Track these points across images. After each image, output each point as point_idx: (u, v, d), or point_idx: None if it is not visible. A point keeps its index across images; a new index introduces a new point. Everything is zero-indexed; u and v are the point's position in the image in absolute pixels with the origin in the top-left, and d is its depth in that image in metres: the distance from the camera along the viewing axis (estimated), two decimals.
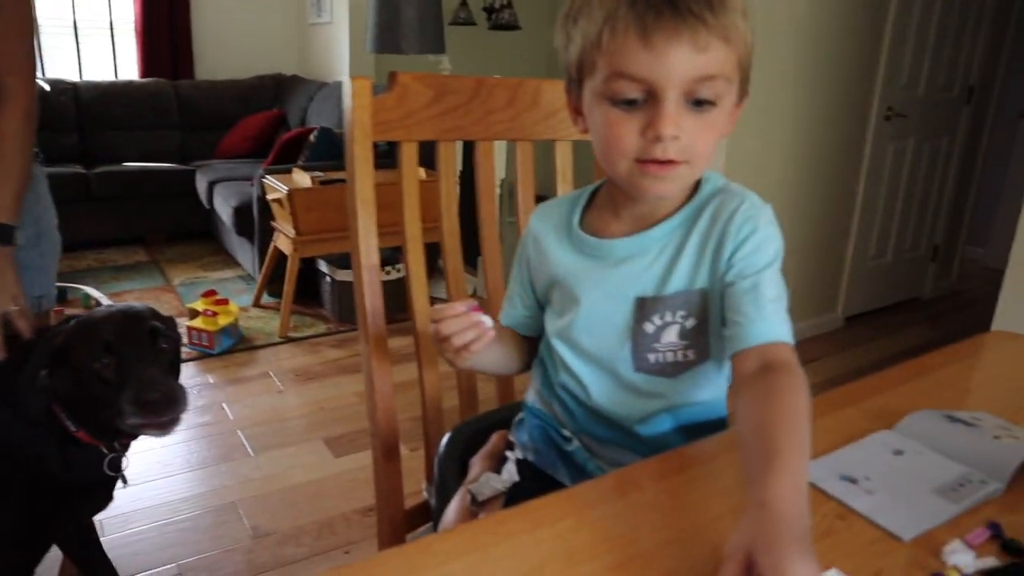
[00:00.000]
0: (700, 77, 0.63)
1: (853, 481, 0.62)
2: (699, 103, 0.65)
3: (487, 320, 0.73)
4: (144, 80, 4.45)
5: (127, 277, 3.62)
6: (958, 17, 3.26)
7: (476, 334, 0.72)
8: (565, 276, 0.77)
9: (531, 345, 0.88)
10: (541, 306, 0.84)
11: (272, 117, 4.44)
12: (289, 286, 2.90)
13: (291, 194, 2.78)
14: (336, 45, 4.45)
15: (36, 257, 1.30)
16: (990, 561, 0.53)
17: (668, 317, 0.72)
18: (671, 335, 0.72)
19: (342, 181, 2.50)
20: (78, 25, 4.45)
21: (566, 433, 0.79)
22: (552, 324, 0.80)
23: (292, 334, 2.94)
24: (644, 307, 0.72)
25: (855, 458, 0.66)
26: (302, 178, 2.94)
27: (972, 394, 0.81)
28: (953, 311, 3.62)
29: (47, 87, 4.09)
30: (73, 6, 4.40)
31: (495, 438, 0.87)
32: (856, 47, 2.93)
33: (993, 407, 0.74)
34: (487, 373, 0.89)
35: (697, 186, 0.74)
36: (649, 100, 0.64)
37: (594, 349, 0.75)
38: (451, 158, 1.02)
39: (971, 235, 4.12)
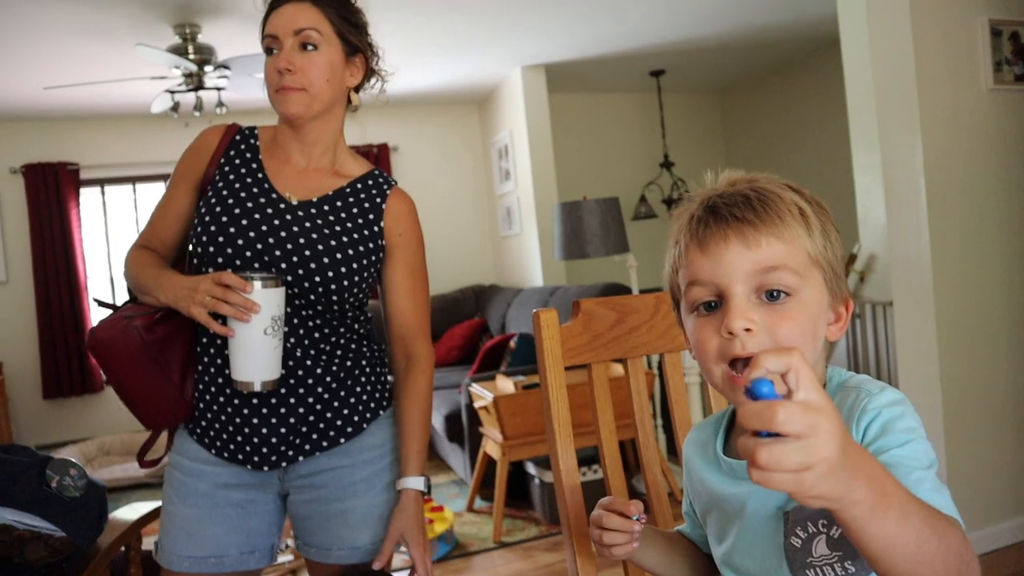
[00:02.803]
0: (760, 269, 0.70)
1: None
2: (772, 295, 0.70)
3: (638, 530, 0.83)
4: None
5: None
6: None
7: (624, 540, 0.82)
8: (718, 501, 0.80)
9: (710, 562, 0.90)
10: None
11: (475, 326, 4.84)
12: (500, 490, 3.02)
13: (496, 401, 2.95)
14: (528, 254, 4.90)
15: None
16: None
17: (811, 528, 0.71)
18: (821, 547, 0.70)
19: (534, 386, 2.69)
20: None
21: None
22: (715, 551, 0.83)
23: (505, 539, 3.02)
24: (787, 521, 0.73)
25: None
26: (506, 384, 3.13)
27: None
28: None
29: None
30: None
31: None
32: None
33: None
34: (661, 574, 0.93)
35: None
36: (723, 302, 0.71)
37: (757, 572, 0.76)
38: (640, 374, 1.10)
39: None
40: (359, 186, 1.29)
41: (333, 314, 1.24)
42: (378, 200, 1.29)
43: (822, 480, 0.49)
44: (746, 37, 4.50)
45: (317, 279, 1.19)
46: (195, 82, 3.71)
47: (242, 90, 3.88)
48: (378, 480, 1.26)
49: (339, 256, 1.21)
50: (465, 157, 5.55)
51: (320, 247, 1.20)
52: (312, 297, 1.21)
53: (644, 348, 1.09)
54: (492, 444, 3.13)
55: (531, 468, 3.26)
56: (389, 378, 1.36)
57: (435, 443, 4.23)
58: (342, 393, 1.26)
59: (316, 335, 1.23)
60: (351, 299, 1.24)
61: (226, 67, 3.59)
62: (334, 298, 1.21)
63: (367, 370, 1.30)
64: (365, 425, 1.27)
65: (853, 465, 0.51)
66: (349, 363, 1.27)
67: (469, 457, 3.51)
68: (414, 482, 1.26)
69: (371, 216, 1.27)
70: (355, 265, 1.23)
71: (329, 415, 1.25)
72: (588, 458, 3.01)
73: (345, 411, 1.26)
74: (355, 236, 1.24)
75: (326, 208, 1.25)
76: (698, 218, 0.73)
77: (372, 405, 1.29)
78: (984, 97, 2.57)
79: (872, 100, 2.57)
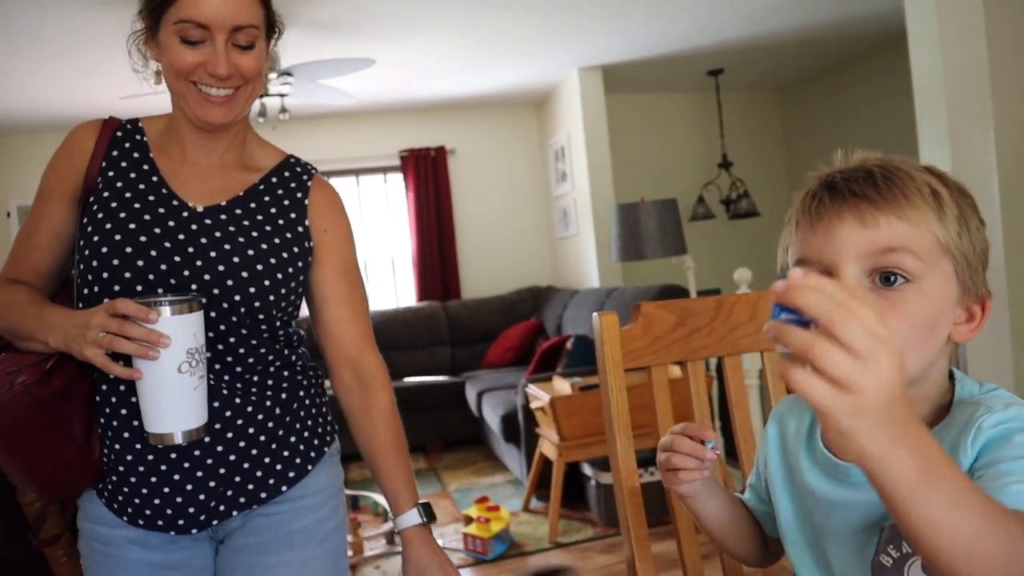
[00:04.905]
0: (876, 249, 0.64)
1: None
2: (887, 279, 0.64)
3: (710, 458, 0.78)
4: (420, 304, 5.23)
5: None
6: None
7: (693, 465, 0.78)
8: (806, 494, 0.75)
9: (773, 543, 0.87)
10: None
11: (531, 327, 4.89)
12: (556, 491, 3.06)
13: (553, 402, 2.97)
14: (584, 255, 4.92)
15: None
16: None
17: (905, 548, 0.65)
18: (916, 572, 0.64)
19: (593, 387, 2.72)
20: (367, 264, 5.45)
21: None
22: (788, 533, 0.79)
23: (561, 539, 3.05)
24: (882, 536, 0.68)
25: None
26: (562, 385, 3.14)
27: None
28: None
29: None
30: (362, 247, 5.43)
31: None
32: None
33: None
34: (714, 534, 0.88)
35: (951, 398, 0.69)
36: None
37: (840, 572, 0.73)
38: (700, 377, 1.10)
39: None
40: (274, 180, 1.11)
41: (261, 338, 1.04)
42: (299, 195, 1.11)
43: (860, 417, 0.45)
44: (805, 34, 4.45)
45: (237, 298, 1.00)
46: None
47: (305, 96, 4.02)
48: (318, 529, 1.09)
49: (260, 267, 1.02)
50: (522, 159, 5.61)
51: (236, 259, 1.01)
52: (234, 320, 1.01)
53: (704, 351, 1.08)
54: (548, 445, 3.15)
55: (587, 469, 3.29)
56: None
57: (491, 443, 4.30)
58: (280, 432, 1.07)
59: (242, 366, 1.04)
60: (280, 317, 1.06)
61: (289, 74, 3.74)
62: (260, 317, 1.02)
63: (306, 401, 1.12)
64: (310, 467, 1.09)
65: (900, 427, 0.47)
66: (284, 395, 1.08)
67: (525, 458, 3.54)
68: (411, 517, 1.13)
69: (293, 215, 1.09)
70: (280, 276, 1.04)
71: (267, 460, 1.05)
72: (646, 460, 3.03)
73: (285, 453, 1.07)
74: (276, 241, 1.06)
75: (238, 212, 1.05)
76: (813, 193, 0.69)
77: (316, 442, 1.11)
78: None
79: (941, 97, 2.54)
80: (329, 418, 1.18)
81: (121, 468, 1.01)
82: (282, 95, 3.94)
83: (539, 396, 3.14)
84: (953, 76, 2.52)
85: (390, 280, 5.54)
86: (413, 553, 1.12)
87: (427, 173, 5.38)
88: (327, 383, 1.19)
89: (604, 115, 4.73)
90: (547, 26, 3.92)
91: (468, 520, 3.09)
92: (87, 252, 1.00)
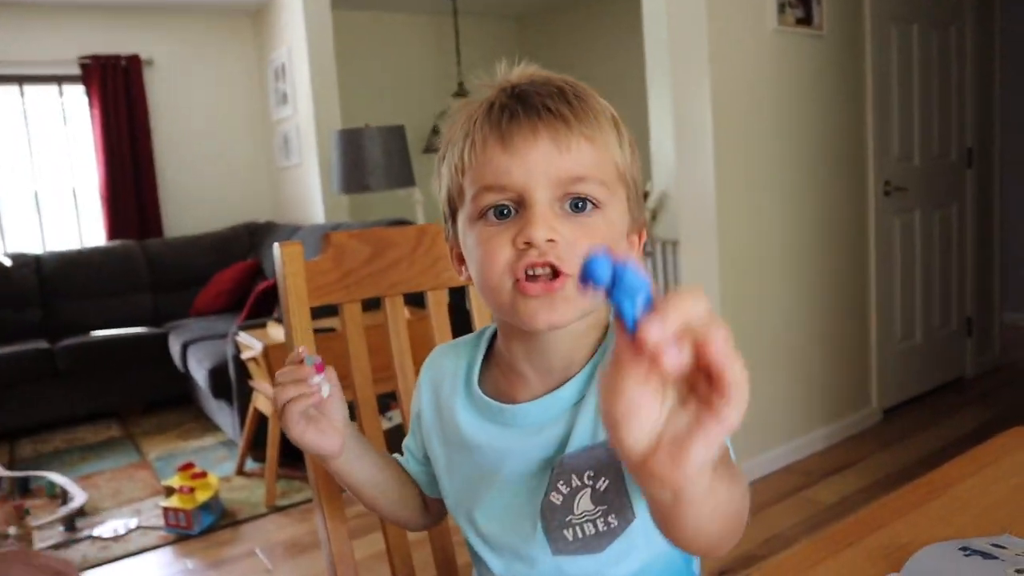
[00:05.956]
0: (568, 177, 0.63)
1: None
2: (576, 206, 0.64)
3: (322, 384, 0.72)
4: (110, 244, 4.61)
5: (97, 457, 3.60)
6: (939, 84, 3.40)
7: (296, 392, 0.71)
8: (468, 447, 0.74)
9: (434, 503, 0.86)
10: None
11: (248, 268, 4.55)
12: (272, 450, 2.88)
13: (267, 350, 2.78)
14: (307, 187, 4.64)
15: None
16: None
17: (575, 481, 0.67)
18: (584, 502, 0.66)
19: (330, 330, 2.50)
20: (39, 195, 4.67)
21: None
22: (451, 499, 0.77)
23: (280, 502, 2.88)
24: (552, 474, 0.68)
25: None
26: (278, 332, 2.95)
27: (993, 513, 0.77)
28: (1006, 385, 3.57)
29: (8, 262, 4.23)
30: (33, 175, 4.64)
31: None
32: (841, 124, 3.03)
33: (1020, 526, 0.71)
34: (365, 499, 0.83)
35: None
36: (520, 209, 0.64)
37: (503, 539, 0.72)
38: (399, 315, 1.04)
39: (1006, 300, 4.11)
40: None
41: None
42: None
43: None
44: None
45: None
46: None
47: None
48: None
49: None
50: (236, 77, 5.11)
51: None
52: None
53: (404, 285, 1.04)
54: (263, 399, 2.95)
55: None
56: None
57: (201, 402, 3.98)
58: None
59: None
60: None
61: None
62: None
63: None
64: None
65: None
66: None
67: (239, 415, 3.32)
68: None
69: None
70: None
71: None
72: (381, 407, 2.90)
73: None
74: None
75: None
76: (501, 106, 0.65)
77: None
78: (768, 38, 2.71)
79: (666, 35, 2.63)
80: None
81: None
82: None
83: (251, 345, 2.92)
84: (675, 14, 2.61)
85: (71, 216, 4.79)
86: None
87: (117, 87, 4.69)
88: None
89: (330, 32, 4.41)
90: None
91: (169, 491, 2.81)
92: None
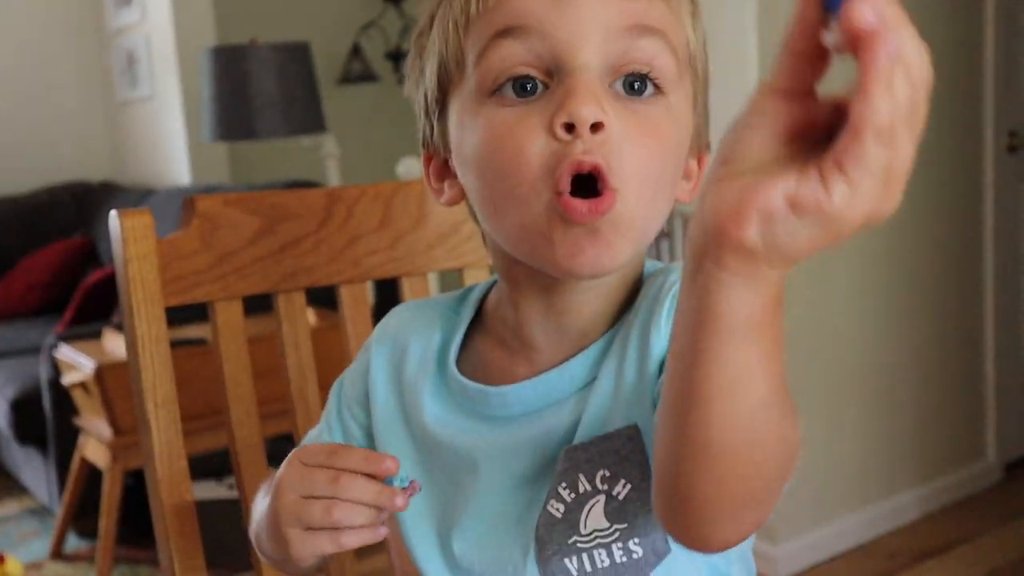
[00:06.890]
0: (628, 26, 0.58)
1: None
2: (632, 87, 0.59)
3: (399, 506, 0.67)
4: None
5: None
6: None
7: (367, 520, 0.65)
8: (434, 447, 0.71)
9: None
10: None
11: (73, 249, 4.41)
12: (108, 519, 2.81)
13: (100, 372, 2.68)
14: (165, 131, 4.50)
15: None
16: None
17: (583, 485, 0.63)
18: (596, 516, 0.63)
19: (198, 342, 2.48)
20: None
21: None
22: (411, 525, 0.72)
23: None
24: (558, 468, 0.65)
25: None
26: (118, 344, 2.75)
27: None
28: None
29: None
30: None
31: None
32: (947, 50, 2.81)
33: None
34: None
35: (637, 289, 0.67)
36: (552, 83, 0.59)
37: (486, 570, 0.67)
38: (300, 319, 0.99)
39: None
40: None
41: None
42: None
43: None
44: None
45: None
46: None
47: None
48: None
49: None
50: None
51: None
52: None
53: (305, 277, 0.98)
54: (94, 444, 2.90)
55: None
56: None
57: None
58: None
59: None
60: None
61: None
62: None
63: None
64: None
65: None
66: None
67: (56, 469, 3.18)
68: None
69: None
70: None
71: None
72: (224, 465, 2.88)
73: None
74: None
75: None
76: None
77: None
78: None
79: None
80: None
81: None
82: None
83: (78, 363, 2.83)
84: None
85: None
86: None
87: None
88: None
89: None
90: None
91: None
92: None
